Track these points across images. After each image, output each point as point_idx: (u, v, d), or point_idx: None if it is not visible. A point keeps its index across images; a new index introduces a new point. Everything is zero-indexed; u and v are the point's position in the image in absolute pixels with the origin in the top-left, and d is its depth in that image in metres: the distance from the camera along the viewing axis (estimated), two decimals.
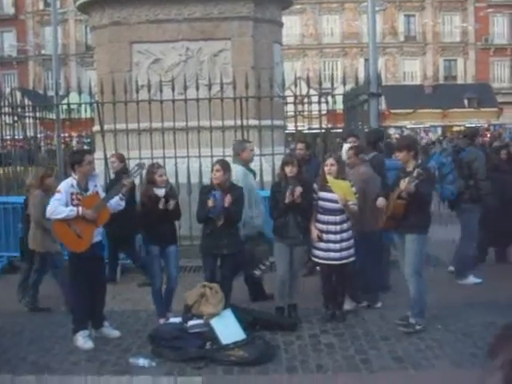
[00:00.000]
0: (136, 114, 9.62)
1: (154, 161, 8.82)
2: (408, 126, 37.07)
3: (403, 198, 6.08)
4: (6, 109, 11.20)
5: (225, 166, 6.73)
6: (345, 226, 6.65)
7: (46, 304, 7.64)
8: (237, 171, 7.21)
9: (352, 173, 7.05)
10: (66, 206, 6.03)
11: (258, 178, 9.61)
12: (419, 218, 6.20)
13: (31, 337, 6.53)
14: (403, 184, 5.99)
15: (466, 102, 40.21)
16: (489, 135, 30.79)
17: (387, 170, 9.05)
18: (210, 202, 6.43)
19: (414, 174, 5.92)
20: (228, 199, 6.47)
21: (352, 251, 6.74)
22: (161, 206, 6.49)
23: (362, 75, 11.58)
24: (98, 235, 6.28)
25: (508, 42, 45.02)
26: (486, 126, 37.21)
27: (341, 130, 11.65)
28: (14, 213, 9.52)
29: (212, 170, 6.74)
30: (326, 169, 6.61)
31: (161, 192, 6.60)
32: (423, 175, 5.94)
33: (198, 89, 9.67)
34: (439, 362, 5.54)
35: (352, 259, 6.86)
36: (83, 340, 6.13)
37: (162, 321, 6.60)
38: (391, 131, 32.16)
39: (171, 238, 6.79)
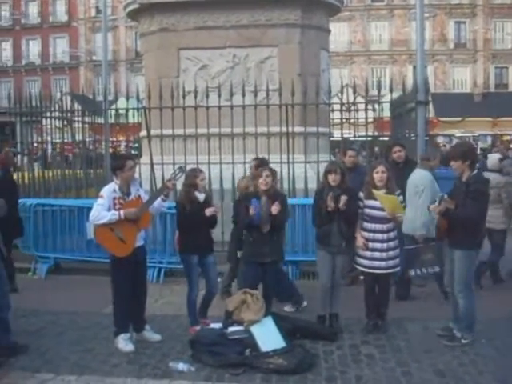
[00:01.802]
0: (182, 119, 9.70)
1: (200, 167, 8.95)
2: (457, 135, 36.44)
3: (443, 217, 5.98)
4: (57, 113, 11.45)
5: (273, 172, 6.73)
6: (391, 234, 6.55)
7: (88, 305, 7.75)
8: (423, 176, 7.47)
9: None
10: (109, 210, 6.09)
11: (302, 185, 9.63)
12: (467, 235, 5.99)
13: (73, 337, 6.62)
14: (432, 207, 5.97)
15: None
16: None
17: (437, 179, 8.93)
18: (251, 210, 6.41)
19: (438, 199, 5.90)
20: (276, 206, 6.44)
21: (398, 261, 6.63)
22: (208, 214, 6.47)
23: (410, 82, 11.40)
24: (140, 239, 6.33)
25: None
26: None
27: (387, 138, 11.52)
28: (62, 215, 9.70)
29: (259, 177, 6.65)
30: (376, 176, 6.50)
31: (201, 196, 6.60)
32: (449, 203, 5.84)
33: (244, 95, 9.72)
34: (482, 378, 5.38)
35: (397, 269, 6.76)
36: (124, 342, 6.19)
37: (195, 328, 6.57)
38: (439, 140, 31.66)
39: (209, 247, 6.74)
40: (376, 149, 12.05)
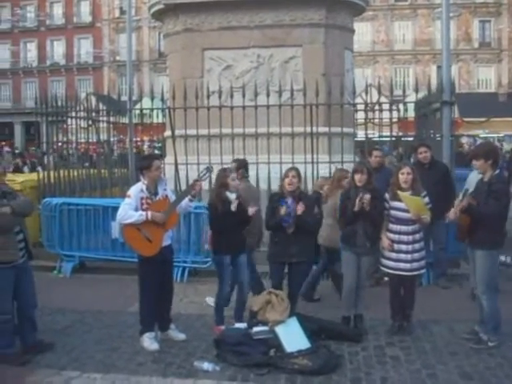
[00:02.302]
0: (207, 119, 9.73)
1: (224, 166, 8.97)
2: (481, 135, 36.02)
3: (465, 212, 5.92)
4: (82, 113, 11.54)
5: (299, 173, 6.73)
6: (417, 236, 6.50)
7: (113, 304, 7.81)
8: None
9: None
10: (136, 210, 6.13)
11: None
12: (488, 234, 5.95)
13: (99, 336, 6.68)
14: (457, 203, 5.92)
15: None
16: None
17: (458, 180, 8.87)
18: (283, 211, 6.41)
19: (462, 193, 5.89)
20: (301, 207, 6.43)
21: (423, 263, 6.60)
22: (233, 208, 6.43)
23: (434, 82, 11.31)
24: (167, 239, 6.35)
25: None
26: None
27: (412, 139, 11.44)
28: (87, 214, 9.78)
29: (285, 177, 6.66)
30: (401, 177, 6.46)
31: (233, 196, 6.56)
32: (473, 192, 5.82)
33: (268, 95, 9.72)
34: (509, 382, 5.32)
35: (422, 271, 6.73)
36: (149, 341, 6.23)
37: (220, 328, 6.56)
38: (464, 140, 31.33)
39: (241, 246, 6.71)
40: (400, 149, 11.97)
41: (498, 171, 6.09)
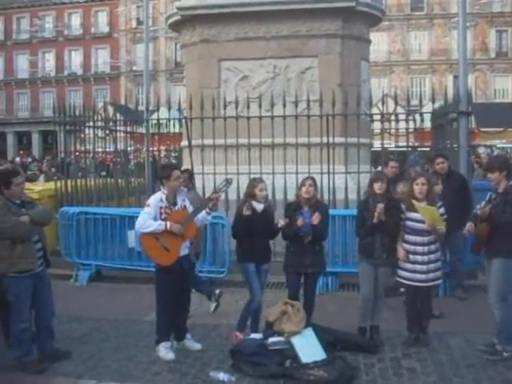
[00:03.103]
0: (223, 129, 9.77)
1: (241, 177, 9.01)
2: (498, 145, 35.81)
3: (485, 221, 5.91)
4: (99, 123, 11.64)
5: (316, 182, 6.75)
6: (432, 247, 6.48)
7: (129, 313, 7.85)
8: None
9: None
10: (155, 219, 6.16)
11: (343, 196, 9.60)
12: (506, 242, 5.94)
13: (115, 344, 6.71)
14: (479, 209, 5.89)
15: None
16: None
17: (475, 191, 8.83)
18: (300, 221, 6.41)
19: (487, 198, 5.83)
20: (317, 216, 6.44)
21: (439, 274, 6.57)
22: (280, 225, 6.50)
23: (450, 92, 11.30)
24: (185, 248, 6.37)
25: None
26: None
27: (428, 149, 11.41)
28: (104, 223, 9.83)
29: (301, 186, 6.66)
30: (416, 188, 6.46)
31: (260, 207, 6.58)
32: (496, 199, 5.83)
33: (284, 106, 9.74)
34: None
35: (438, 282, 6.71)
36: (165, 351, 6.24)
37: (239, 335, 6.56)
38: (481, 150, 31.17)
39: (266, 255, 6.74)
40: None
41: (511, 182, 6.14)
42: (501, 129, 27.36)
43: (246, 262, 6.59)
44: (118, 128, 11.92)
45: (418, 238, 6.45)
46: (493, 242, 5.98)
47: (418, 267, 6.44)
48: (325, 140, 9.59)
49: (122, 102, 33.31)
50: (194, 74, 11.65)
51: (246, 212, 6.46)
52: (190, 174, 8.88)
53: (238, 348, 6.10)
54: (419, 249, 6.45)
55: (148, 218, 6.14)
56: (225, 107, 10.07)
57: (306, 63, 11.01)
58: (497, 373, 5.75)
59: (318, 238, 6.62)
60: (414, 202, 6.40)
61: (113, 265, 9.84)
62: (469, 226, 6.16)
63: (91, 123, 11.46)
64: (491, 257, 6.11)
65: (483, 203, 5.89)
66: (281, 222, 6.54)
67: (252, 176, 9.06)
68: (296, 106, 9.77)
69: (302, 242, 6.53)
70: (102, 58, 48.26)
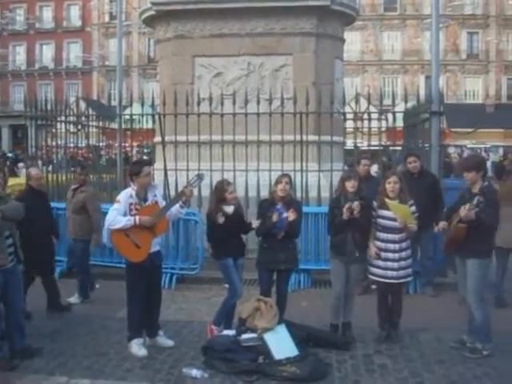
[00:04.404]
0: (197, 126, 9.75)
1: (213, 173, 9.00)
2: (468, 146, 36.32)
3: (464, 222, 5.96)
4: (71, 118, 11.52)
5: (291, 180, 6.80)
6: (404, 244, 6.55)
7: (101, 309, 7.81)
8: None
9: None
10: (125, 215, 6.12)
11: (315, 193, 9.65)
12: (481, 243, 6.05)
13: (87, 341, 6.67)
14: (463, 211, 5.89)
15: None
16: None
17: (446, 190, 8.96)
18: (275, 217, 6.42)
19: (474, 202, 5.82)
20: (292, 212, 6.47)
21: (410, 271, 6.65)
22: (254, 225, 6.54)
23: (422, 92, 11.40)
24: (156, 245, 6.35)
25: None
26: None
27: (400, 148, 11.52)
28: None
29: (277, 184, 6.65)
30: (388, 186, 6.52)
31: (230, 209, 6.60)
32: (483, 203, 5.83)
33: (258, 103, 9.75)
34: None
35: (409, 279, 6.81)
36: (137, 347, 6.22)
37: (215, 329, 6.57)
38: (451, 150, 31.56)
39: (241, 251, 6.78)
40: (384, 158, 12.06)
41: (486, 182, 6.22)
42: (471, 129, 27.76)
43: (223, 257, 6.60)
44: (90, 123, 11.81)
45: (390, 236, 6.52)
46: (468, 243, 6.03)
47: (390, 264, 6.51)
48: (298, 138, 9.63)
49: (95, 96, 33.01)
50: (167, 70, 11.59)
51: (220, 220, 6.48)
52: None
53: (210, 344, 6.11)
54: (390, 246, 6.52)
55: (117, 214, 6.09)
56: (198, 104, 10.04)
57: (280, 61, 11.02)
58: (466, 368, 5.84)
59: (291, 234, 6.66)
60: (387, 200, 6.46)
61: None
62: (442, 225, 6.24)
63: (63, 118, 11.33)
64: (465, 257, 6.19)
65: (468, 206, 5.86)
66: (254, 222, 6.57)
67: (225, 172, 9.13)
68: (270, 104, 9.79)
69: (275, 239, 6.55)
70: (74, 53, 47.66)
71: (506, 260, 8.21)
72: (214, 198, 6.68)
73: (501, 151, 38.72)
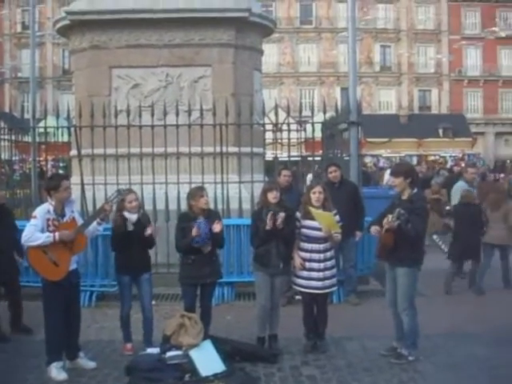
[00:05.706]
0: (114, 139, 9.50)
1: (133, 187, 8.76)
2: (384, 155, 37.33)
3: (390, 231, 6.03)
4: None
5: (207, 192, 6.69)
6: (328, 254, 6.58)
7: (18, 332, 7.45)
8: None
9: None
10: (42, 231, 5.86)
11: (236, 205, 9.59)
12: (410, 252, 6.13)
13: (2, 367, 6.31)
14: (386, 223, 5.96)
15: (440, 131, 40.73)
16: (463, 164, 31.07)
17: (363, 198, 9.12)
18: (195, 231, 6.30)
19: (395, 214, 5.89)
20: (218, 224, 6.38)
21: (335, 280, 6.69)
22: (146, 234, 6.43)
23: (339, 104, 11.59)
24: (73, 263, 6.12)
25: (480, 74, 45.86)
26: (460, 155, 37.64)
27: (319, 158, 11.64)
28: None
29: (199, 197, 6.51)
30: (313, 196, 6.52)
31: (133, 218, 6.51)
32: (404, 215, 5.90)
33: (177, 115, 9.61)
34: None
35: (334, 288, 6.84)
36: (57, 371, 5.92)
37: (127, 345, 6.52)
38: (367, 160, 32.33)
39: (144, 266, 6.66)
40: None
41: (415, 190, 6.31)
42: (386, 139, 28.58)
43: (120, 274, 6.63)
44: (2, 137, 11.34)
45: (314, 246, 6.52)
46: (397, 252, 6.10)
47: (315, 274, 6.51)
48: (218, 149, 9.56)
49: (7, 109, 31.85)
50: (83, 81, 11.25)
51: (119, 223, 6.45)
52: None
53: (134, 364, 5.91)
54: (315, 256, 6.52)
55: (35, 231, 5.83)
56: (116, 116, 9.80)
57: (199, 72, 10.90)
58: (393, 375, 5.92)
59: (217, 246, 6.60)
60: (311, 208, 6.47)
61: None
62: (373, 229, 6.25)
63: None
64: (395, 265, 6.27)
65: (390, 217, 5.92)
66: (148, 230, 6.47)
67: (144, 186, 8.95)
68: (189, 115, 9.67)
69: (200, 253, 6.43)
70: None
71: (492, 254, 9.66)
72: (117, 207, 6.58)
73: (415, 160, 39.99)
